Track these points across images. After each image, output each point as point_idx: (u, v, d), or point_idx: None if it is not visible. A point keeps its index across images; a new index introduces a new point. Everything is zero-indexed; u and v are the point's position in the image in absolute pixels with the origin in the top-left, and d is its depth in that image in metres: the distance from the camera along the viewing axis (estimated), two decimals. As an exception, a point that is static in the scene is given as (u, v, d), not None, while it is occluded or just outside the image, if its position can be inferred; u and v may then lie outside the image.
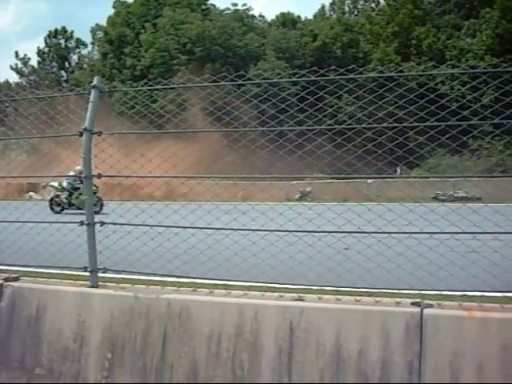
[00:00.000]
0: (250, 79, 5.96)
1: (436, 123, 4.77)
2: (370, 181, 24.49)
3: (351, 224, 5.31)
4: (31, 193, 33.31)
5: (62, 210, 22.84)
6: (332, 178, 22.22)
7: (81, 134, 5.22)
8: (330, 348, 4.33)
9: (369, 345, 4.27)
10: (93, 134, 5.24)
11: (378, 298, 4.56)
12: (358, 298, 4.61)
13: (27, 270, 5.99)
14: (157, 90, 6.38)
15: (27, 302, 5.24)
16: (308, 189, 28.00)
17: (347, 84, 5.27)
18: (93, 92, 5.32)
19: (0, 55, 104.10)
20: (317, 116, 5.53)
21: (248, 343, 4.51)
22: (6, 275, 5.58)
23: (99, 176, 5.37)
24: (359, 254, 5.61)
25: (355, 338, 4.32)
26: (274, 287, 5.09)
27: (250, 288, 5.02)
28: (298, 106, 5.52)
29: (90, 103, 5.30)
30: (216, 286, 5.13)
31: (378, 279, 5.12)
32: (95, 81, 5.37)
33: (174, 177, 5.83)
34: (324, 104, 5.49)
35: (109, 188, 30.05)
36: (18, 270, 5.85)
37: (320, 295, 4.71)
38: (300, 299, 4.66)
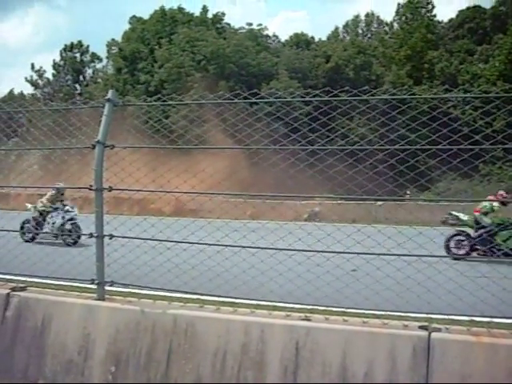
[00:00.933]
0: (263, 98, 5.97)
1: (447, 146, 4.75)
2: (379, 203, 24.36)
3: (360, 245, 5.28)
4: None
5: None
6: (342, 199, 22.07)
7: (93, 147, 5.24)
8: (335, 369, 4.29)
9: (375, 367, 4.23)
10: (105, 147, 5.26)
11: (385, 321, 4.53)
12: (365, 319, 4.58)
13: (35, 280, 6.00)
14: (169, 105, 6.39)
15: (33, 312, 5.23)
16: (316, 209, 27.88)
17: (359, 105, 5.27)
18: (107, 105, 5.35)
19: (17, 67, 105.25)
20: (328, 136, 5.53)
21: (253, 362, 4.48)
22: (14, 285, 5.59)
23: (110, 189, 5.38)
24: (367, 276, 5.58)
25: (361, 359, 4.28)
26: (282, 306, 5.05)
27: (256, 306, 4.99)
28: (309, 125, 5.52)
29: (104, 116, 5.32)
30: (223, 303, 5.11)
31: (386, 301, 5.08)
32: (109, 94, 5.39)
33: (185, 192, 5.84)
34: (336, 124, 5.49)
35: (118, 202, 30.29)
36: (26, 281, 5.86)
37: (327, 316, 4.68)
38: (307, 319, 4.64)
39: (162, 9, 58.67)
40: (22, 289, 5.51)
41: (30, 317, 5.23)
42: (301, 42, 56.05)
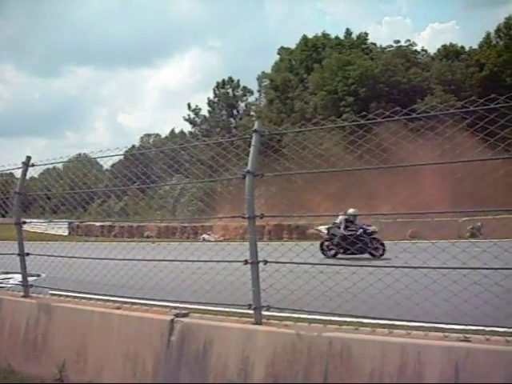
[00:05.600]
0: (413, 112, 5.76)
1: None
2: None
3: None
4: (205, 235, 35.09)
5: None
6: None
7: (244, 177, 5.47)
8: (499, 392, 4.07)
9: (545, 391, 3.96)
10: (255, 176, 5.46)
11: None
12: (532, 340, 4.31)
13: (195, 307, 6.32)
14: (309, 130, 6.41)
15: (195, 337, 5.52)
16: (478, 223, 26.44)
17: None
18: (254, 136, 5.57)
19: (177, 107, 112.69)
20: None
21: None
22: (177, 311, 5.93)
23: (262, 216, 5.55)
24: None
25: (529, 382, 4.03)
26: (439, 327, 4.86)
27: (412, 327, 4.88)
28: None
29: (252, 146, 5.54)
30: (378, 325, 5.05)
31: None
32: (256, 125, 5.62)
33: (330, 215, 5.87)
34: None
35: (278, 229, 31.80)
36: (187, 307, 6.19)
37: (488, 336, 4.46)
38: (466, 340, 4.45)
39: (305, 37, 60.13)
40: (185, 315, 5.84)
41: (192, 341, 5.52)
42: (450, 53, 54.37)
